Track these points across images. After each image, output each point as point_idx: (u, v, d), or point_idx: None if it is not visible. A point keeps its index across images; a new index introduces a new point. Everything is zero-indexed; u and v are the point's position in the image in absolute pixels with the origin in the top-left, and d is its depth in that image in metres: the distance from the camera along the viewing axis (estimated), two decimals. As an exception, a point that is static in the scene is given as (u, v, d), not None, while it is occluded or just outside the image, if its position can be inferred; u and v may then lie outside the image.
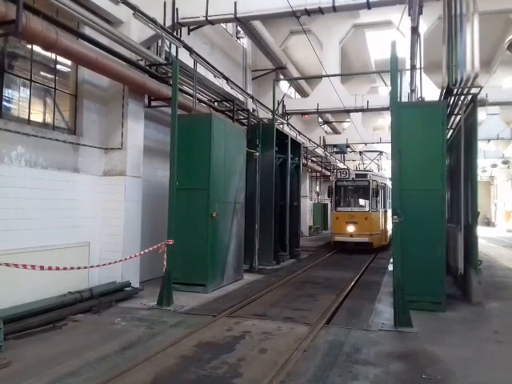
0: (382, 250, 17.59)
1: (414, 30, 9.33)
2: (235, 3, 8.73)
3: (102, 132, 8.66)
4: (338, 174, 18.42)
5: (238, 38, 16.07)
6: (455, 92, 8.07)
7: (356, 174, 18.20)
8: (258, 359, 5.15)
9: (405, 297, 6.47)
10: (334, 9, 8.44)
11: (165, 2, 8.99)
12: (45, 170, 7.23)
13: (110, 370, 4.69)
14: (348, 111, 17.20)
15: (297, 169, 15.85)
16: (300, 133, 20.61)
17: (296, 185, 15.77)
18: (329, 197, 20.84)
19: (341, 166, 28.33)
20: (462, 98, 8.48)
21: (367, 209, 17.47)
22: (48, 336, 5.86)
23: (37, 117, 7.48)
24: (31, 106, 7.29)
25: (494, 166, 34.72)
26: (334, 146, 26.50)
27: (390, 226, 18.56)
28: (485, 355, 5.47)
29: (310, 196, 29.02)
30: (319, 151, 25.42)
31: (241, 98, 14.34)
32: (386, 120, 31.06)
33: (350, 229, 17.16)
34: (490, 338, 6.11)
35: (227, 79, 12.11)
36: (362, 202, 18.34)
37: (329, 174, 28.34)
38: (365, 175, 17.95)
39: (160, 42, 9.32)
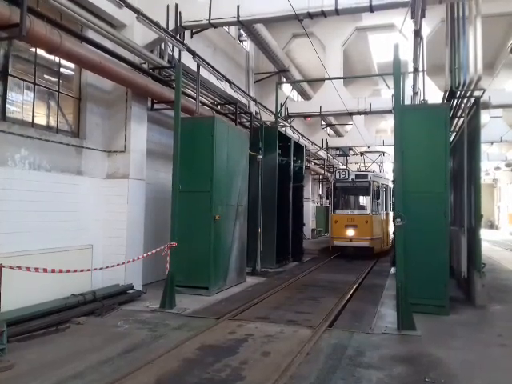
0: (385, 254, 17.33)
1: (417, 33, 9.34)
2: (238, 7, 8.75)
3: (105, 135, 8.69)
4: (337, 175, 17.38)
5: (240, 41, 16.10)
6: (458, 95, 8.07)
7: (356, 175, 17.26)
8: (260, 362, 5.14)
9: (408, 300, 6.45)
10: (337, 12, 8.46)
11: (168, 6, 9.02)
12: (48, 172, 7.25)
13: (113, 372, 4.70)
14: (351, 114, 17.17)
15: (300, 171, 15.79)
16: (303, 135, 20.61)
17: (299, 187, 15.71)
18: (327, 198, 20.19)
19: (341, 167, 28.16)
20: (465, 100, 8.48)
21: (368, 211, 16.78)
22: (51, 338, 5.87)
23: (40, 120, 7.50)
24: (35, 109, 7.32)
25: (498, 168, 34.62)
26: (337, 148, 26.44)
27: (392, 230, 18.29)
28: (488, 358, 5.45)
29: (313, 199, 28.98)
30: (322, 154, 25.41)
31: (243, 100, 14.36)
32: (388, 123, 31.01)
33: (350, 233, 16.36)
34: (494, 342, 6.09)
35: (230, 82, 12.14)
36: (362, 204, 17.83)
37: (331, 176, 28.26)
38: (365, 176, 17.16)
39: (163, 45, 9.35)
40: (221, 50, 13.81)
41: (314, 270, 13.18)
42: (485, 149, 25.20)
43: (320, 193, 32.59)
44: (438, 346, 5.78)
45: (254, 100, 14.86)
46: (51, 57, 7.42)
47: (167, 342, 5.75)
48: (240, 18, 8.85)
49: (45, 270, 5.92)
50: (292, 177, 14.71)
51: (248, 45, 16.44)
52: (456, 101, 8.55)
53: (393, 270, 11.49)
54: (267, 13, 8.88)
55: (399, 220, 6.60)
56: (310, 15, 8.62)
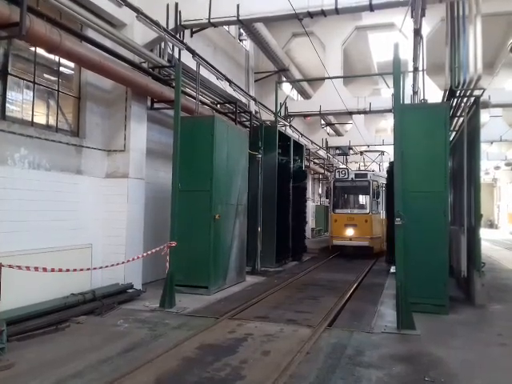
0: (385, 253, 17.30)
1: (417, 32, 9.34)
2: (238, 6, 8.74)
3: (104, 134, 8.68)
4: (337, 174, 17.50)
5: (240, 40, 16.09)
6: (458, 94, 8.06)
7: (355, 174, 17.26)
8: (260, 361, 5.14)
9: (408, 299, 6.45)
10: (337, 11, 8.44)
11: (168, 5, 9.01)
12: (48, 171, 7.24)
13: (113, 371, 4.70)
14: (350, 113, 17.16)
15: (300, 170, 15.74)
16: (302, 135, 20.61)
17: (300, 187, 15.63)
18: (327, 198, 20.18)
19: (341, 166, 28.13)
20: (465, 99, 8.47)
21: (367, 211, 16.84)
22: (51, 338, 5.87)
23: (40, 119, 7.49)
24: (34, 108, 7.31)
25: (497, 168, 34.64)
26: (337, 147, 26.45)
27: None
28: (488, 358, 5.45)
29: (313, 198, 28.96)
30: (322, 153, 25.41)
31: (243, 100, 14.35)
32: (388, 122, 31.00)
33: (350, 232, 16.40)
34: (494, 341, 6.09)
35: (230, 81, 12.13)
36: (361, 203, 17.85)
37: (331, 176, 28.22)
38: (365, 175, 17.21)
39: (163, 44, 9.34)
40: (221, 49, 13.80)
41: (313, 270, 13.19)
42: (484, 148, 25.20)
43: (320, 192, 32.57)
44: (437, 345, 5.78)
45: (254, 99, 14.85)
46: (51, 56, 7.42)
47: (167, 342, 5.75)
48: (240, 17, 8.84)
49: (44, 270, 5.92)
50: (292, 176, 14.68)
51: (248, 44, 16.43)
52: (456, 100, 8.54)
53: (392, 269, 11.49)
54: (267, 12, 8.87)
55: (399, 219, 6.60)
56: (310, 14, 8.61)
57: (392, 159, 10.02)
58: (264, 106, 15.40)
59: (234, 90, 12.76)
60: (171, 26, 9.02)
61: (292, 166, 14.85)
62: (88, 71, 7.92)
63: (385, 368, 4.95)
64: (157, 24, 8.44)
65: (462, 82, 7.45)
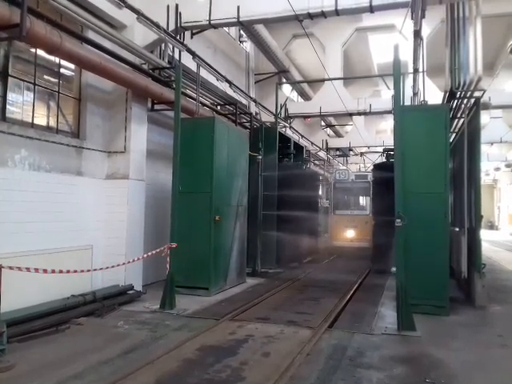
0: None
1: (417, 34, 9.33)
2: (238, 7, 8.75)
3: (105, 135, 8.69)
4: (337, 175, 17.72)
5: (240, 41, 16.09)
6: (458, 95, 8.07)
7: (356, 175, 17.55)
8: (261, 363, 5.14)
9: (408, 300, 6.45)
10: (337, 12, 8.45)
11: (168, 6, 9.02)
12: (48, 173, 7.25)
13: (113, 373, 4.70)
14: (351, 114, 17.18)
15: (312, 173, 15.68)
16: (303, 136, 20.61)
17: (310, 189, 15.54)
18: (327, 199, 20.27)
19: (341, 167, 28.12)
20: (465, 101, 8.48)
21: (367, 212, 16.93)
22: (51, 339, 5.87)
23: (40, 120, 7.50)
24: (35, 110, 7.32)
25: (497, 169, 34.59)
26: (337, 149, 26.45)
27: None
28: (489, 359, 5.45)
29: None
30: (322, 154, 25.41)
31: (243, 101, 14.36)
32: (388, 123, 30.97)
33: (350, 233, 16.52)
34: (494, 342, 6.09)
35: (230, 83, 12.14)
36: (362, 204, 17.88)
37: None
38: (365, 176, 17.37)
39: (163, 45, 9.35)
40: (221, 50, 13.81)
41: (313, 271, 13.17)
42: (485, 149, 25.16)
43: (319, 193, 32.53)
44: (438, 346, 5.78)
45: (254, 100, 14.86)
46: (51, 57, 7.42)
47: (167, 343, 5.75)
48: (240, 19, 8.85)
49: (45, 271, 5.91)
50: (303, 179, 14.60)
51: (248, 45, 16.43)
52: (456, 101, 8.55)
53: (393, 269, 11.48)
54: (267, 13, 8.88)
55: (399, 220, 6.59)
56: (310, 16, 8.62)
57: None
58: (264, 107, 15.40)
59: (235, 92, 12.77)
60: (171, 27, 9.04)
61: (298, 167, 14.82)
62: (88, 73, 7.92)
63: (385, 369, 4.95)
64: (157, 25, 8.45)
65: (462, 84, 7.46)
